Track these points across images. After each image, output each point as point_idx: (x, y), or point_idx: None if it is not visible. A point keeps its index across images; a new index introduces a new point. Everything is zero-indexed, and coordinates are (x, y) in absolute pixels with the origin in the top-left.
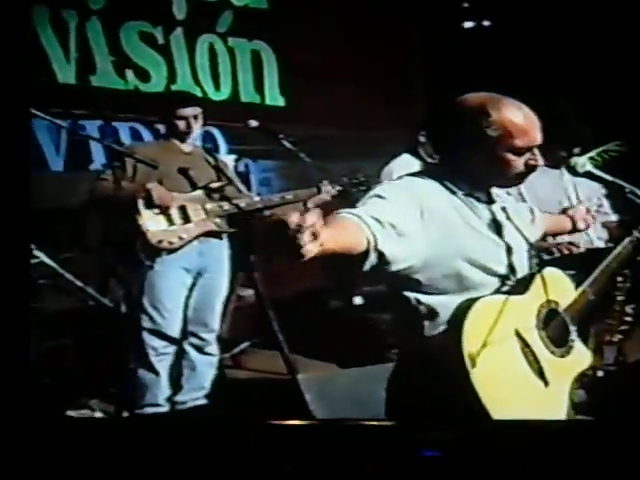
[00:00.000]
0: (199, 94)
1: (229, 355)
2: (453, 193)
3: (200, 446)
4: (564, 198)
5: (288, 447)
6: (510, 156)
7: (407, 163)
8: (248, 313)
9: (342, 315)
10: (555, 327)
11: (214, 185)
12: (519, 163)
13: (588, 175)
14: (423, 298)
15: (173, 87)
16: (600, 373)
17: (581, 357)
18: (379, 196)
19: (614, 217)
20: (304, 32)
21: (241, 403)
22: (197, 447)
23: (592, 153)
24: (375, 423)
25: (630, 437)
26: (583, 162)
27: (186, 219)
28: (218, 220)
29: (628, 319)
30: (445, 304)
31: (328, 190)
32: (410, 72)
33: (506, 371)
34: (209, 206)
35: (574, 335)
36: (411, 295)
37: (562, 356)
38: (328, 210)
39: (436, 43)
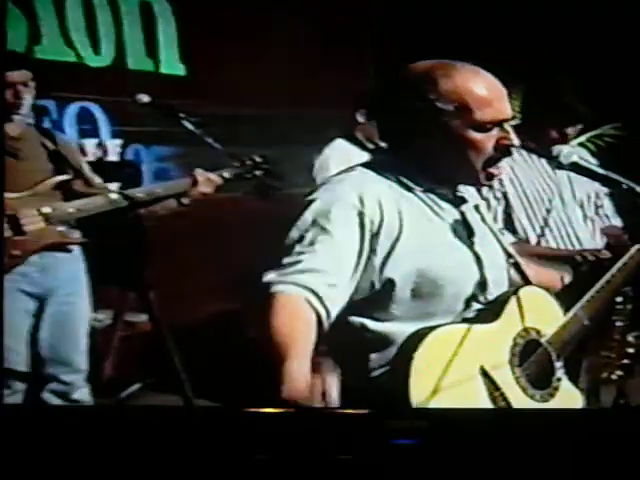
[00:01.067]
0: (72, 58)
1: (114, 402)
2: (409, 190)
3: (173, 437)
4: (555, 196)
5: (263, 436)
6: (474, 135)
7: (344, 152)
8: (140, 345)
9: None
10: (536, 363)
11: (53, 180)
12: (487, 144)
13: (574, 167)
14: (371, 325)
15: (37, 49)
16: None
17: (569, 401)
18: (323, 229)
19: (617, 221)
20: None
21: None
22: (170, 437)
23: (582, 138)
24: (350, 412)
25: None
26: (568, 151)
27: (17, 229)
28: (62, 228)
29: (630, 351)
30: (399, 333)
31: (209, 179)
32: (356, 34)
33: None
34: (47, 210)
35: (560, 373)
36: (356, 320)
37: (544, 400)
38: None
39: None
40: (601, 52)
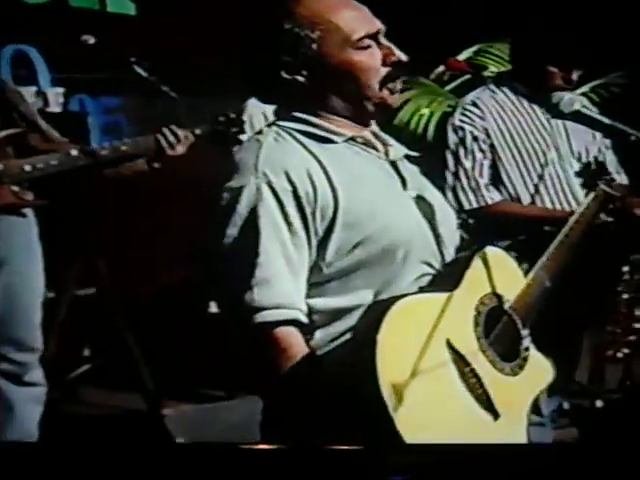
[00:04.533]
0: None
1: (62, 384)
2: (330, 142)
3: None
4: (551, 149)
5: (257, 473)
6: (354, 56)
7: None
8: (88, 322)
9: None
10: (501, 332)
11: (3, 134)
12: (372, 61)
13: (576, 116)
14: (318, 304)
15: None
16: (599, 403)
17: (539, 372)
18: (265, 224)
19: (621, 178)
20: None
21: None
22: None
23: (585, 89)
24: (344, 448)
25: None
26: (570, 99)
27: None
28: (15, 188)
29: (638, 326)
30: (351, 306)
31: (181, 137)
32: None
33: (437, 406)
34: (1, 167)
35: (527, 341)
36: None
37: (514, 373)
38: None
39: None
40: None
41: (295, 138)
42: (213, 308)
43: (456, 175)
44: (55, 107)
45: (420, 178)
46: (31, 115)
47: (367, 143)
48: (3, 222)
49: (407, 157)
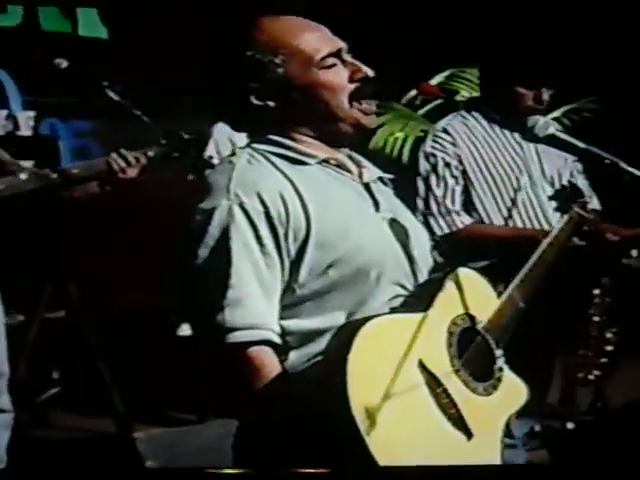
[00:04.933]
0: None
1: (31, 407)
2: (302, 163)
3: None
4: (523, 173)
5: None
6: (319, 76)
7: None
8: (58, 344)
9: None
10: (474, 353)
11: None
12: (338, 79)
13: (551, 140)
14: (290, 325)
15: None
16: (570, 425)
17: (513, 392)
18: (238, 244)
19: (593, 202)
20: None
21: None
22: None
23: (557, 113)
24: (315, 471)
25: None
26: (545, 122)
27: None
28: None
29: (609, 348)
30: (323, 328)
31: (131, 160)
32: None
33: (410, 427)
34: None
35: (501, 362)
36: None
37: (488, 394)
38: None
39: None
40: (576, 25)
41: (268, 160)
42: (183, 331)
43: (426, 202)
44: (26, 131)
45: (394, 200)
46: None
47: (340, 165)
48: None
49: (381, 179)
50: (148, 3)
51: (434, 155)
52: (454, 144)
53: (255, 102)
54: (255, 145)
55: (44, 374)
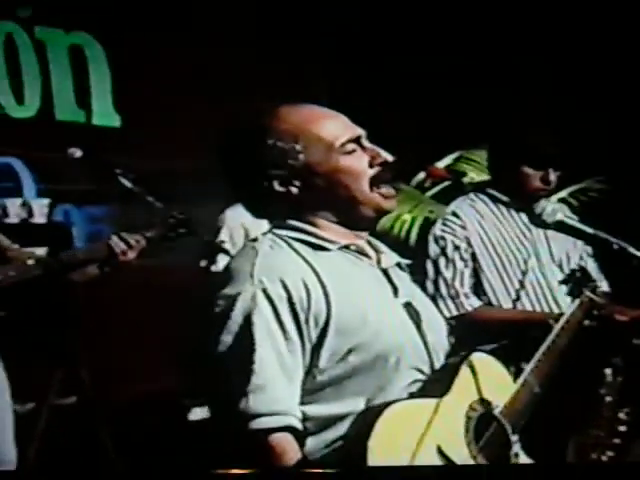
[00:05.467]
0: None
1: None
2: (324, 249)
3: None
4: (532, 256)
5: None
6: (340, 161)
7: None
8: (69, 431)
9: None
10: (491, 438)
11: None
12: (358, 165)
13: (559, 226)
14: (309, 410)
15: None
16: None
17: None
18: (261, 331)
19: (602, 285)
20: (149, 20)
21: None
22: None
23: (563, 193)
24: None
25: None
26: (553, 209)
27: None
28: None
29: (622, 429)
30: (342, 413)
31: (130, 243)
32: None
33: None
34: None
35: (517, 447)
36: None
37: None
38: None
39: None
40: (582, 104)
41: (290, 245)
42: (195, 415)
43: (436, 284)
44: (40, 218)
45: (410, 285)
46: None
47: (360, 251)
48: None
49: (398, 264)
50: (161, 91)
51: (443, 238)
52: (463, 227)
53: (278, 188)
54: (277, 231)
55: (54, 461)
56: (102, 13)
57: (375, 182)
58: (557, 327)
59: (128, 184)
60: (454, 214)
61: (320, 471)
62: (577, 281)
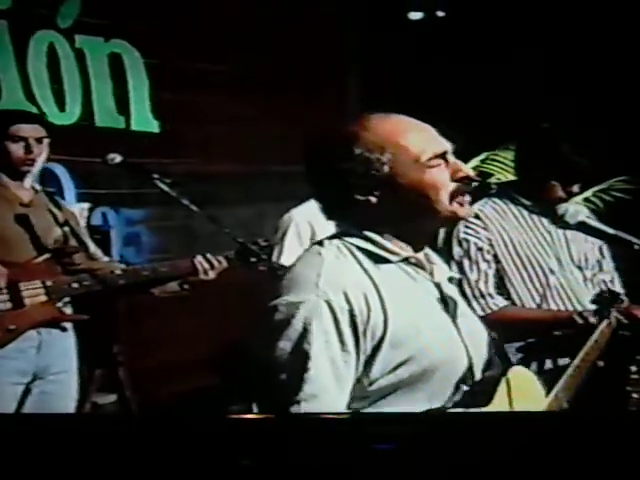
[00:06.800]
0: None
1: None
2: (386, 261)
3: (156, 442)
4: (552, 258)
5: (246, 442)
6: (424, 175)
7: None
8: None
9: None
10: None
11: (57, 251)
12: (442, 179)
13: (582, 227)
14: None
15: None
16: None
17: None
18: (318, 340)
19: (614, 283)
20: (185, 27)
21: None
22: (153, 443)
23: (588, 193)
24: (333, 416)
25: None
26: (575, 210)
27: (17, 301)
28: (60, 303)
29: None
30: None
31: (213, 264)
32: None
33: None
34: (50, 283)
35: None
36: None
37: None
38: None
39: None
40: (603, 104)
41: (354, 255)
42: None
43: (460, 286)
44: (80, 221)
45: (459, 298)
46: (82, 234)
47: (418, 263)
48: (45, 334)
49: (449, 279)
50: (201, 101)
51: (467, 240)
52: (485, 229)
53: (358, 197)
54: (344, 237)
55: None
56: (140, 21)
57: (454, 195)
58: (586, 346)
59: (165, 188)
60: (476, 216)
61: (333, 413)
62: (606, 302)
